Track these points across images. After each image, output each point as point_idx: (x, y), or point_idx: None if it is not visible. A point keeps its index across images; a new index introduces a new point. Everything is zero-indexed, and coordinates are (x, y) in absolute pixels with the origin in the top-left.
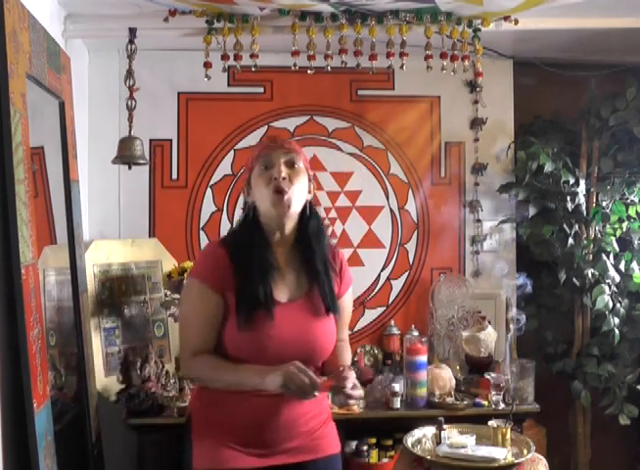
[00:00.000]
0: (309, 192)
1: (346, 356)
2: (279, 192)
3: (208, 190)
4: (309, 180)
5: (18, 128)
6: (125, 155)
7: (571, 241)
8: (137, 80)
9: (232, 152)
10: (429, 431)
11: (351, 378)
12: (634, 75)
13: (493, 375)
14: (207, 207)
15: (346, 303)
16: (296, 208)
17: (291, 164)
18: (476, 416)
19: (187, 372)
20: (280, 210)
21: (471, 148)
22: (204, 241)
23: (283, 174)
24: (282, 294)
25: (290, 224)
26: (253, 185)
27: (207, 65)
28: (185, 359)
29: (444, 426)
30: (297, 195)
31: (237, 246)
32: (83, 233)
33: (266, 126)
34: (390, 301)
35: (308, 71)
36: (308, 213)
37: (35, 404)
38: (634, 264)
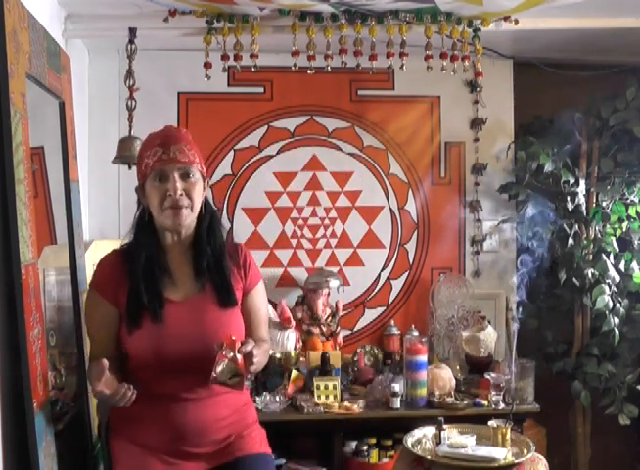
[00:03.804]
0: (204, 189)
1: (260, 351)
2: (176, 208)
3: (208, 190)
4: (204, 179)
5: (18, 128)
6: (125, 155)
7: (570, 241)
8: (137, 80)
9: (232, 152)
10: (429, 431)
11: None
12: (634, 75)
13: (493, 375)
14: None
15: (256, 298)
16: (192, 218)
17: (186, 176)
18: (476, 416)
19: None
20: (176, 225)
21: (471, 148)
22: None
23: (179, 191)
24: (176, 293)
25: (186, 229)
26: (148, 194)
27: (207, 65)
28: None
29: (444, 426)
30: (195, 206)
31: (130, 251)
32: (83, 233)
33: (266, 126)
34: (390, 301)
35: (308, 71)
36: (203, 212)
37: (35, 404)
38: (634, 264)
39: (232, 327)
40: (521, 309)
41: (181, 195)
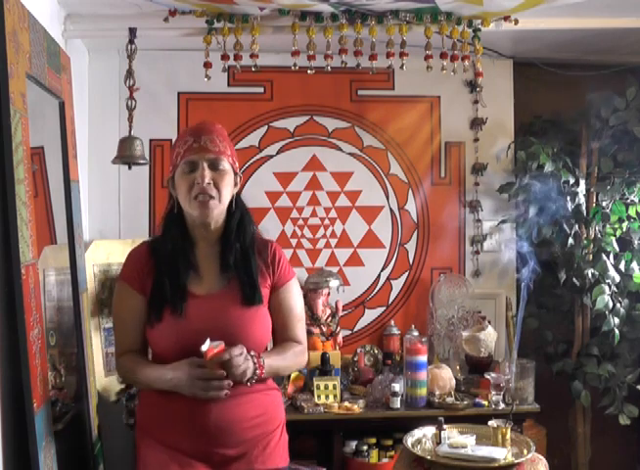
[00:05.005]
0: (235, 185)
1: (286, 354)
2: (203, 198)
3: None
4: (235, 174)
5: (18, 128)
6: (125, 155)
7: (571, 241)
8: (137, 80)
9: None
10: (429, 431)
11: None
12: (634, 75)
13: (493, 375)
14: None
15: (286, 296)
16: (220, 210)
17: (215, 166)
18: (476, 416)
19: (117, 372)
20: (203, 216)
21: (471, 148)
22: None
23: (207, 180)
24: (200, 287)
25: (215, 222)
26: (177, 184)
27: (207, 65)
28: (115, 359)
29: (444, 426)
30: (223, 198)
31: (158, 243)
32: (83, 233)
33: (266, 126)
34: (390, 301)
35: (308, 71)
36: (234, 208)
37: (35, 404)
38: (634, 264)
39: (256, 324)
40: (521, 309)
41: (209, 184)
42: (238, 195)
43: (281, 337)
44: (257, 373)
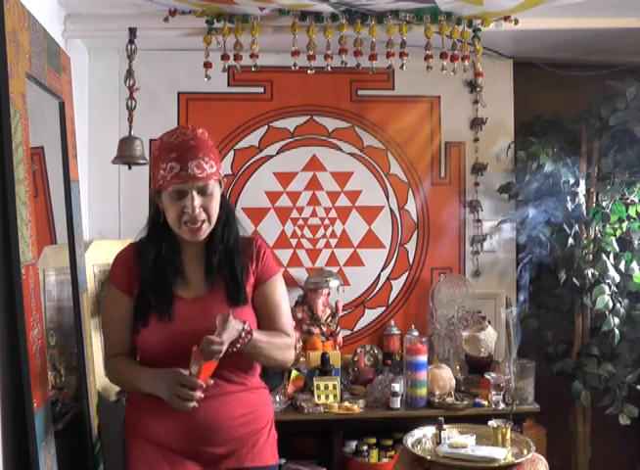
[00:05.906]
0: (221, 188)
1: (275, 339)
2: (194, 224)
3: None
4: (221, 183)
5: (18, 128)
6: (125, 155)
7: (570, 241)
8: (137, 80)
9: (232, 152)
10: (429, 431)
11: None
12: (634, 75)
13: (493, 375)
14: None
15: (270, 290)
16: (210, 227)
17: (204, 192)
18: (476, 416)
19: (106, 374)
20: (194, 238)
21: (471, 148)
22: None
23: (197, 209)
24: (187, 291)
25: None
26: (165, 206)
27: (207, 65)
28: (104, 361)
29: (444, 426)
30: (212, 218)
31: (144, 246)
32: (83, 233)
33: (266, 126)
34: (390, 301)
35: (308, 71)
36: (219, 210)
37: (35, 404)
38: (634, 264)
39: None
40: (521, 310)
41: (199, 211)
42: (223, 196)
43: (269, 330)
44: (247, 328)
